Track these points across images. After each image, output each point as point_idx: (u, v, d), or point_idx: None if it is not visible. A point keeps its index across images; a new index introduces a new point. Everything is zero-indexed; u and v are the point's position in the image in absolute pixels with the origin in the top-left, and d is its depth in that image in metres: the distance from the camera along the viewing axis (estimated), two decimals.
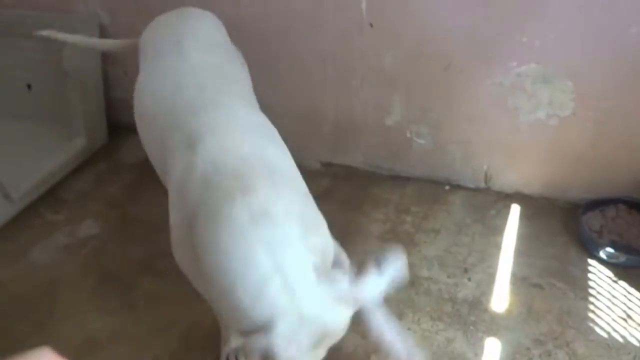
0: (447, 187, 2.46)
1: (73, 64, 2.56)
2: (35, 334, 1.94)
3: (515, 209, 2.33)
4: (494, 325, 1.87)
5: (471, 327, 1.87)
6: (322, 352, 1.17)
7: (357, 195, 2.44)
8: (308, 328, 1.10)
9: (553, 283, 2.00)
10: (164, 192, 2.47)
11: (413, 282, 2.04)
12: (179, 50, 1.63)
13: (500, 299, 1.96)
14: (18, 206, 2.45)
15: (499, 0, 2.01)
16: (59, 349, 1.83)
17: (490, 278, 2.04)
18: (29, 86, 2.93)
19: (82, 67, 2.63)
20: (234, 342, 1.22)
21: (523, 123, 2.23)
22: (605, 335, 1.82)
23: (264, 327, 1.09)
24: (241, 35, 2.02)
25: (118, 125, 2.94)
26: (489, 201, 2.38)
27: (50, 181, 2.58)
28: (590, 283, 1.99)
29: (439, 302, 1.96)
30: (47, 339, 1.91)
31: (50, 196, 2.56)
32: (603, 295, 1.94)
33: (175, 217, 1.40)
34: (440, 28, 2.13)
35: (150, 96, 1.60)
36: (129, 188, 2.61)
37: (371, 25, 2.21)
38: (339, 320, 1.15)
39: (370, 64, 2.31)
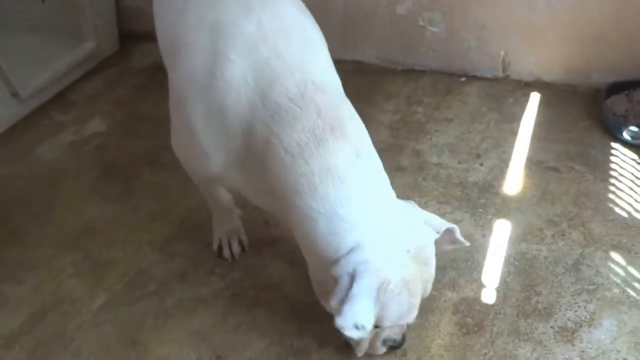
0: (462, 79, 2.23)
1: None
2: (34, 222, 1.83)
3: (534, 97, 2.09)
4: (504, 208, 1.67)
5: (480, 210, 1.67)
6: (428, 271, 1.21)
7: (368, 89, 2.22)
8: (400, 244, 1.12)
9: (571, 166, 1.77)
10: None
11: (422, 168, 1.84)
12: None
13: (513, 182, 1.75)
14: (28, 107, 2.33)
15: None
16: (57, 235, 1.74)
17: (504, 163, 1.83)
18: None
19: None
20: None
21: (540, 2, 1.98)
22: (625, 214, 1.60)
23: (357, 246, 1.10)
24: None
25: (130, 33, 2.78)
26: (507, 90, 2.15)
27: (59, 83, 2.45)
28: (612, 165, 1.76)
29: (448, 187, 1.77)
30: (45, 226, 1.81)
31: (60, 98, 2.44)
32: (625, 177, 1.72)
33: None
34: None
35: None
36: (137, 90, 2.47)
37: None
38: (427, 239, 1.19)
39: None
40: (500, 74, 2.19)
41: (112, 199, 1.88)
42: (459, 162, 1.85)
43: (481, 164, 1.83)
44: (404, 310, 1.17)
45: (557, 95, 2.07)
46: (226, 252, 1.64)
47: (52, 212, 1.87)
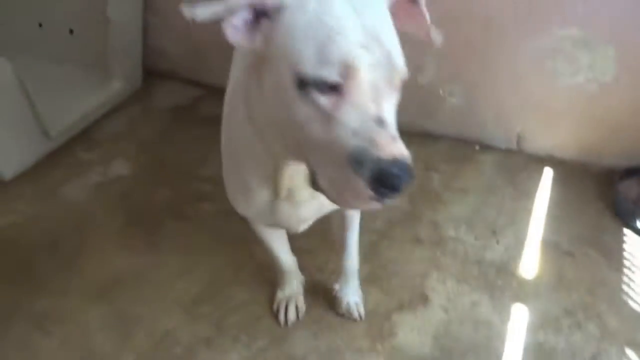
0: (477, 147, 2.22)
1: (116, 11, 2.40)
2: (60, 270, 1.80)
3: (547, 173, 2.08)
4: (521, 292, 1.66)
5: (498, 292, 1.66)
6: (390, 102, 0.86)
7: None
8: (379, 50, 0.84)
9: (585, 251, 1.77)
10: (193, 138, 2.32)
11: (439, 242, 1.83)
12: None
13: (530, 264, 1.74)
14: (54, 144, 2.30)
15: None
16: (83, 285, 1.70)
17: (520, 242, 1.82)
18: (71, 31, 2.75)
19: (124, 15, 2.46)
20: None
21: (560, 86, 1.98)
22: (639, 309, 1.59)
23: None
24: None
25: (153, 71, 2.76)
26: (521, 163, 2.13)
27: (85, 121, 2.43)
28: (625, 254, 1.75)
29: (465, 264, 1.75)
30: (72, 274, 1.79)
31: (85, 136, 2.41)
32: (638, 267, 1.71)
33: None
34: None
35: None
36: (160, 131, 2.44)
37: None
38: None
39: None
40: (514, 147, 2.18)
41: (137, 250, 1.85)
42: (476, 238, 1.83)
43: (497, 242, 1.82)
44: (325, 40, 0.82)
45: (570, 173, 2.06)
46: (280, 317, 1.61)
47: (78, 260, 1.83)
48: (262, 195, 1.13)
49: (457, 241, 1.83)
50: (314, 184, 0.90)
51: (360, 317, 1.60)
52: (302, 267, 1.65)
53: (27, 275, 1.79)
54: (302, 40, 0.83)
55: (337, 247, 1.54)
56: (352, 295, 1.61)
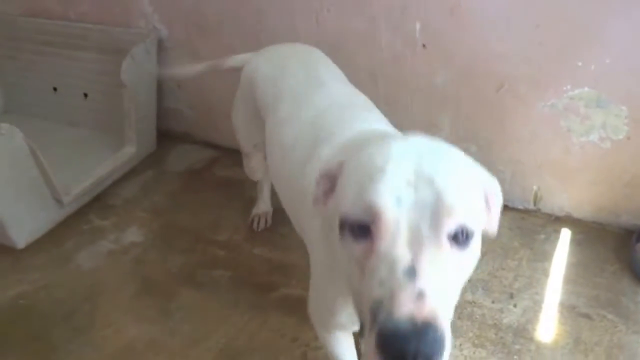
0: None
1: (130, 76, 2.55)
2: (74, 339, 1.90)
3: (565, 233, 2.17)
4: (539, 356, 1.73)
5: (515, 357, 1.73)
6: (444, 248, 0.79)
7: None
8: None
9: (603, 314, 1.84)
10: (206, 203, 2.45)
11: (456, 306, 1.90)
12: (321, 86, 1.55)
13: (547, 328, 1.81)
14: (67, 210, 2.43)
15: (554, 24, 1.90)
16: (96, 355, 1.80)
17: (537, 305, 1.89)
18: (85, 95, 2.95)
19: (138, 79, 2.62)
20: None
21: (575, 145, 2.09)
22: None
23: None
24: None
25: (166, 133, 2.92)
26: (538, 224, 2.23)
27: (99, 187, 2.56)
28: None
29: (483, 328, 1.83)
30: (86, 344, 1.88)
31: (98, 201, 2.54)
32: None
33: None
34: (493, 50, 2.02)
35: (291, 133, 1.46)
36: (173, 197, 2.57)
37: (424, 46, 2.12)
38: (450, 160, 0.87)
39: (421, 82, 2.20)
40: (531, 207, 2.28)
41: (150, 319, 1.95)
42: (493, 302, 1.91)
43: (515, 305, 1.90)
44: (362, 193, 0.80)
45: (587, 233, 2.15)
46: None
47: (92, 330, 1.92)
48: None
49: (474, 305, 1.91)
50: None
51: None
52: None
53: (41, 346, 1.88)
54: (348, 182, 0.86)
55: None
56: None
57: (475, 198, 0.87)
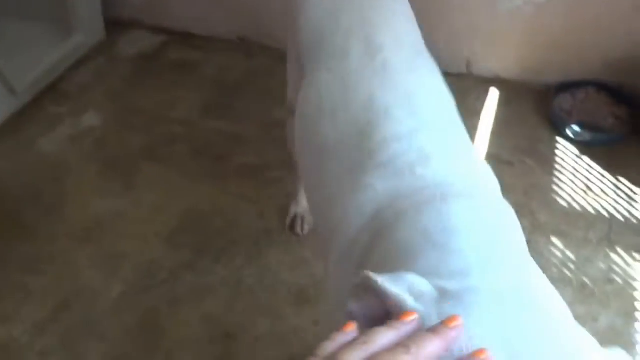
0: None
1: None
2: (44, 218, 2.05)
3: (493, 93, 2.40)
4: None
5: None
6: None
7: None
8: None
9: (523, 160, 2.10)
10: (160, 84, 2.57)
11: None
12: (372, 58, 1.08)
13: None
14: (22, 100, 2.50)
15: None
16: (68, 229, 1.98)
17: None
18: None
19: None
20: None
21: (501, 10, 2.27)
22: (565, 205, 1.94)
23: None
24: None
25: (114, 21, 2.95)
26: (470, 86, 2.45)
27: (51, 75, 2.62)
28: (557, 159, 2.09)
29: None
30: (56, 221, 2.03)
31: (53, 90, 2.61)
32: (567, 170, 2.06)
33: None
34: None
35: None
36: (127, 80, 2.66)
37: None
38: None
39: None
40: (464, 71, 2.49)
41: (115, 193, 2.11)
42: None
43: None
44: None
45: (513, 92, 2.39)
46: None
47: (61, 207, 2.08)
48: None
49: None
50: None
51: None
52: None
53: (13, 225, 2.02)
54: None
55: None
56: None
57: None
